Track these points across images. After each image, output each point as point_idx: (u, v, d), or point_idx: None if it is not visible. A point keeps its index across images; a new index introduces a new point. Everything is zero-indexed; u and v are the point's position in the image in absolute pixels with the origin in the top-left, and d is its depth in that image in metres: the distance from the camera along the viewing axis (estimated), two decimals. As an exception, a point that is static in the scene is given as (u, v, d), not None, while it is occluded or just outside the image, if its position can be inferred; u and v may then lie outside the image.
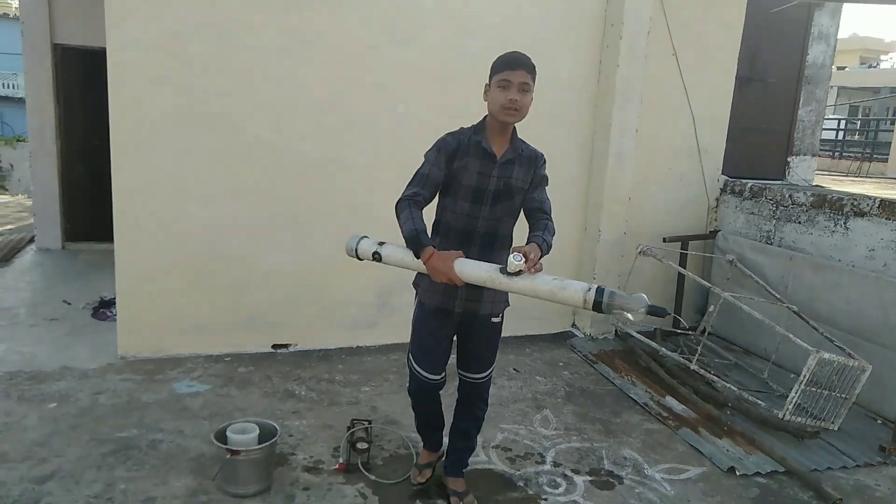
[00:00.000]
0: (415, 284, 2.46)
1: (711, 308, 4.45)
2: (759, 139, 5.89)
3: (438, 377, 2.42)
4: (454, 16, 4.18)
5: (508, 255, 2.03)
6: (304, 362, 3.99)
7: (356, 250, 2.32)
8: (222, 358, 3.95)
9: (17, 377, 3.50)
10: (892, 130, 13.43)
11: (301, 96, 3.96)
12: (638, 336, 4.42)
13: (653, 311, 1.91)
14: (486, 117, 2.30)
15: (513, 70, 2.16)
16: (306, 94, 3.96)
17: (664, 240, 4.83)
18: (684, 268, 4.75)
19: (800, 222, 4.43)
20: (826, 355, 3.34)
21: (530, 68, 2.19)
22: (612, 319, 4.68)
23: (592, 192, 4.72)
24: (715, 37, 4.94)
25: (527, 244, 2.18)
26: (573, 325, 4.92)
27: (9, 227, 7.53)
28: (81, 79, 6.25)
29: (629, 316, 1.94)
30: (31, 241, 6.50)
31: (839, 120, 17.51)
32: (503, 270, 2.05)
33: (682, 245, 4.87)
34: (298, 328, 4.18)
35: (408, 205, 2.22)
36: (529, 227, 2.33)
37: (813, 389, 3.42)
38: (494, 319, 2.42)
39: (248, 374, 3.75)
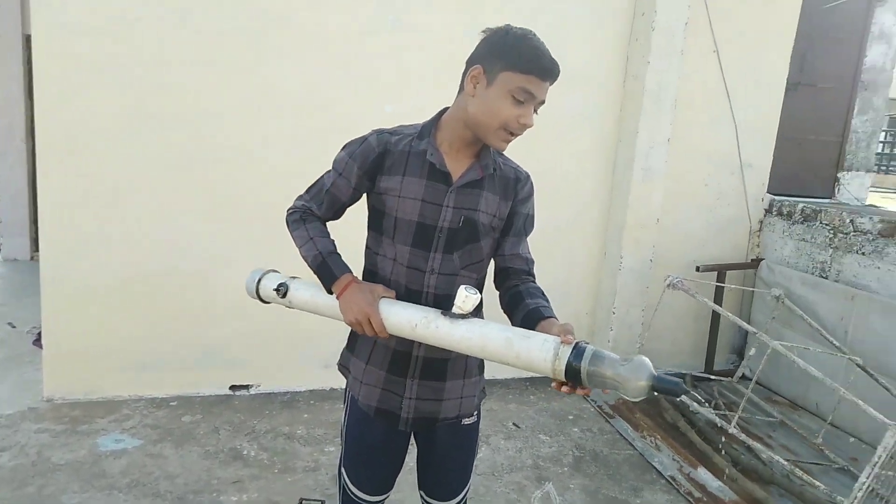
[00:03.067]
0: (341, 367, 1.65)
1: (753, 351, 3.73)
2: (806, 152, 5.14)
3: (378, 498, 1.65)
4: (456, 2, 3.55)
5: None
6: (263, 409, 3.36)
7: (257, 290, 1.62)
8: (167, 402, 3.34)
9: (-87, 424, 2.94)
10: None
11: (272, 92, 3.34)
12: (664, 384, 3.71)
13: (662, 387, 1.14)
14: (441, 114, 1.50)
15: (542, 80, 1.35)
16: (279, 90, 3.35)
17: (698, 269, 4.12)
18: (720, 302, 4.04)
19: (864, 253, 3.69)
20: (908, 432, 2.62)
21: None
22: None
23: (614, 211, 4.03)
24: (764, 32, 4.21)
25: (540, 319, 1.38)
26: (588, 366, 4.23)
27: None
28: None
29: (626, 397, 1.22)
30: (-1, 249, 6.00)
31: (885, 132, 16.46)
32: (447, 312, 1.35)
33: (717, 276, 4.16)
34: (263, 366, 3.56)
35: (300, 219, 1.55)
36: (514, 297, 1.48)
37: (889, 473, 2.70)
38: (467, 421, 1.60)
39: (192, 424, 3.14)
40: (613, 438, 3.38)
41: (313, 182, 1.60)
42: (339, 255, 1.50)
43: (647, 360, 1.17)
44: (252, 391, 3.54)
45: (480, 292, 1.43)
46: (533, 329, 1.33)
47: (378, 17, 3.44)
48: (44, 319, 3.22)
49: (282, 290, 1.56)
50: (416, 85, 3.54)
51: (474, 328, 1.32)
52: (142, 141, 3.20)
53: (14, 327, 4.18)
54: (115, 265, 3.26)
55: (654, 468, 3.10)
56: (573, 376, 1.19)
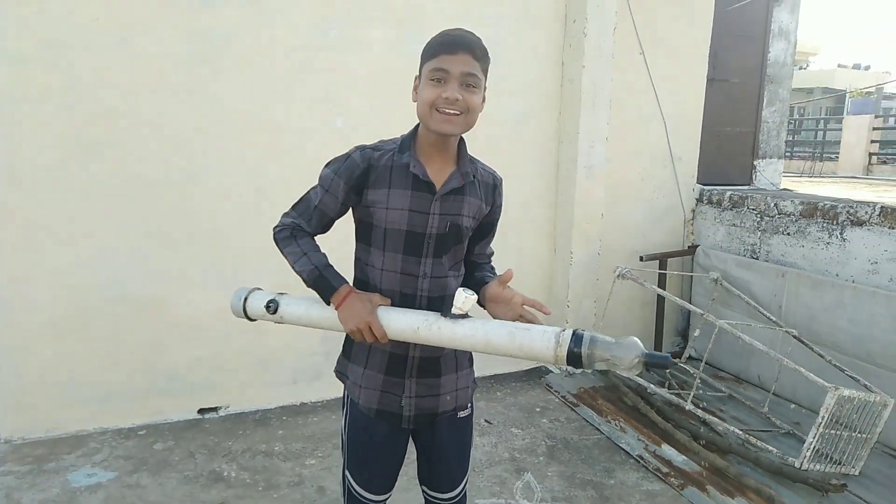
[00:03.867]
0: (339, 374, 1.70)
1: (697, 332, 4.00)
2: (725, 143, 5.53)
3: (383, 497, 1.72)
4: (396, 14, 3.63)
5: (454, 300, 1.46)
6: (236, 429, 3.33)
7: (244, 309, 1.64)
8: (135, 431, 3.26)
9: None
10: (840, 129, 13.54)
11: (219, 113, 3.32)
12: (621, 370, 3.92)
13: (653, 361, 1.32)
14: (417, 126, 1.57)
15: (451, 54, 1.43)
16: (224, 111, 3.33)
17: (641, 258, 4.37)
18: (664, 288, 4.30)
19: (788, 234, 4.03)
20: (846, 392, 2.90)
21: (480, 53, 1.46)
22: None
23: (561, 208, 4.22)
24: (683, 33, 4.52)
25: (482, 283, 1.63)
26: (547, 359, 4.40)
27: None
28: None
29: (621, 373, 1.38)
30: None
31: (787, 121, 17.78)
32: (446, 314, 1.44)
33: (659, 264, 4.42)
34: (229, 387, 3.52)
35: (291, 235, 1.59)
36: (467, 277, 1.70)
37: (831, 432, 2.98)
38: (462, 414, 1.70)
39: (165, 451, 3.08)
40: (581, 425, 3.55)
41: (298, 199, 1.65)
42: (333, 267, 1.56)
43: (637, 339, 1.34)
44: (222, 413, 3.49)
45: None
46: (477, 291, 1.51)
47: (321, 33, 3.47)
48: (-5, 358, 3.08)
49: (272, 307, 1.60)
50: (364, 97, 3.59)
51: (476, 325, 1.42)
52: (87, 169, 3.12)
53: (-50, 371, 3.93)
54: (67, 296, 3.15)
55: (623, 449, 3.28)
56: (574, 361, 1.34)
